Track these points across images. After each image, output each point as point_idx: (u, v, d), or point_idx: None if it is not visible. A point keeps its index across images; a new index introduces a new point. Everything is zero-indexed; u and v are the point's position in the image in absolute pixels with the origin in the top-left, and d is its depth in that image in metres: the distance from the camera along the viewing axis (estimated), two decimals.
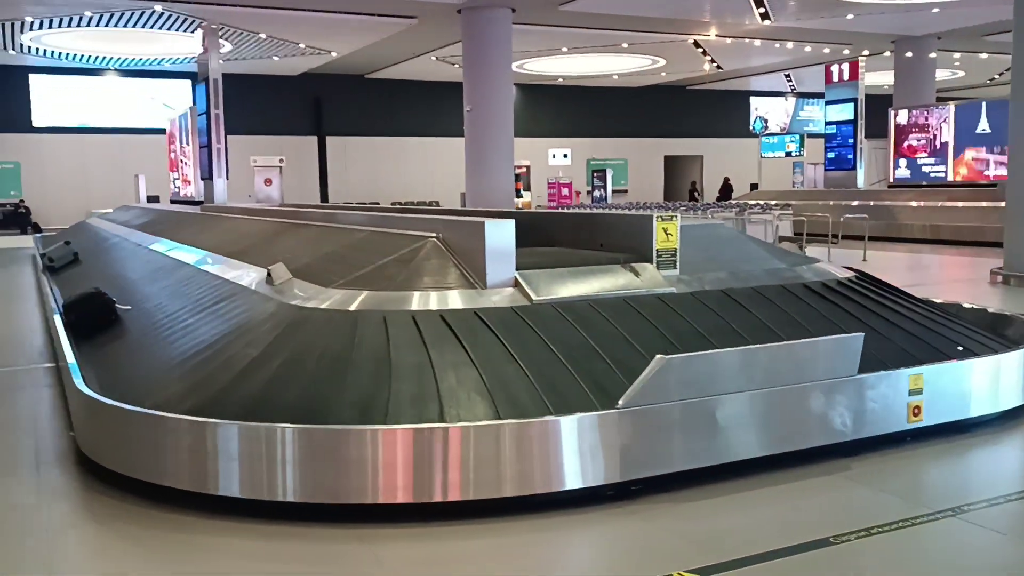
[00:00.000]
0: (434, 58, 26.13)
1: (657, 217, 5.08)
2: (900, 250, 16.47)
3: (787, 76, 33.42)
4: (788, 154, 32.15)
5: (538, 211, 8.85)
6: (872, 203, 20.31)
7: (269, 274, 5.43)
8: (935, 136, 20.94)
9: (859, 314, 5.07)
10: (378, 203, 25.76)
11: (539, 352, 4.16)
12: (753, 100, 37.54)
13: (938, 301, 6.57)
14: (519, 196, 25.40)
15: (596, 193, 31.35)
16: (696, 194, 34.34)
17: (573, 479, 3.70)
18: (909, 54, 24.49)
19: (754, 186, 31.22)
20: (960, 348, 4.99)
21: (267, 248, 6.93)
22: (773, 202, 18.40)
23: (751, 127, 35.47)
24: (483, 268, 4.61)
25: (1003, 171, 15.95)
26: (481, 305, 4.46)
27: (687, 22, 22.59)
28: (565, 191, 27.05)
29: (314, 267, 5.48)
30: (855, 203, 20.44)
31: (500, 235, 4.66)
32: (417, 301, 4.48)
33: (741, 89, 36.41)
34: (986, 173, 19.15)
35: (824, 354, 4.12)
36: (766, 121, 35.64)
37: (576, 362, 4.12)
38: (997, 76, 32.12)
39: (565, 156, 28.65)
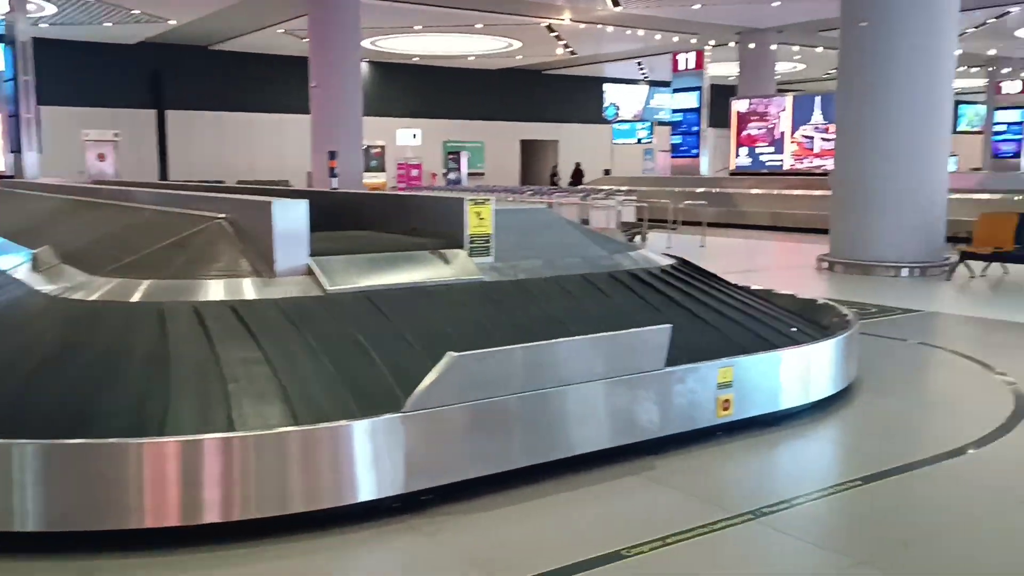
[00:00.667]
0: (281, 30, 25.00)
1: (469, 200, 4.74)
2: (739, 236, 16.91)
3: (639, 64, 33.99)
4: (639, 141, 32.72)
5: (350, 192, 8.39)
6: (716, 190, 20.83)
7: (35, 259, 4.77)
8: (774, 126, 21.68)
9: (674, 304, 4.91)
10: (223, 182, 24.44)
11: (334, 348, 3.76)
12: (607, 87, 37.98)
13: (756, 288, 6.56)
14: (374, 176, 24.71)
15: (451, 176, 31.00)
16: (556, 179, 34.54)
17: (360, 490, 3.33)
18: (752, 45, 25.27)
19: (607, 172, 31.62)
20: (794, 329, 4.92)
21: (49, 229, 6.20)
22: (618, 188, 18.55)
23: (604, 113, 35.92)
24: (271, 253, 4.15)
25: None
26: (267, 295, 4.01)
27: (541, 5, 22.48)
28: (415, 172, 26.52)
29: (88, 251, 4.86)
30: (700, 190, 20.91)
31: (290, 217, 4.21)
32: (196, 291, 3.99)
33: (595, 76, 36.79)
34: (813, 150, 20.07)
35: (628, 348, 3.91)
36: (618, 108, 36.17)
37: (373, 358, 3.74)
38: (832, 71, 33.71)
39: (414, 136, 28.06)
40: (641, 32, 25.00)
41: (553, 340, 3.80)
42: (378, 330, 3.95)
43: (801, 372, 4.75)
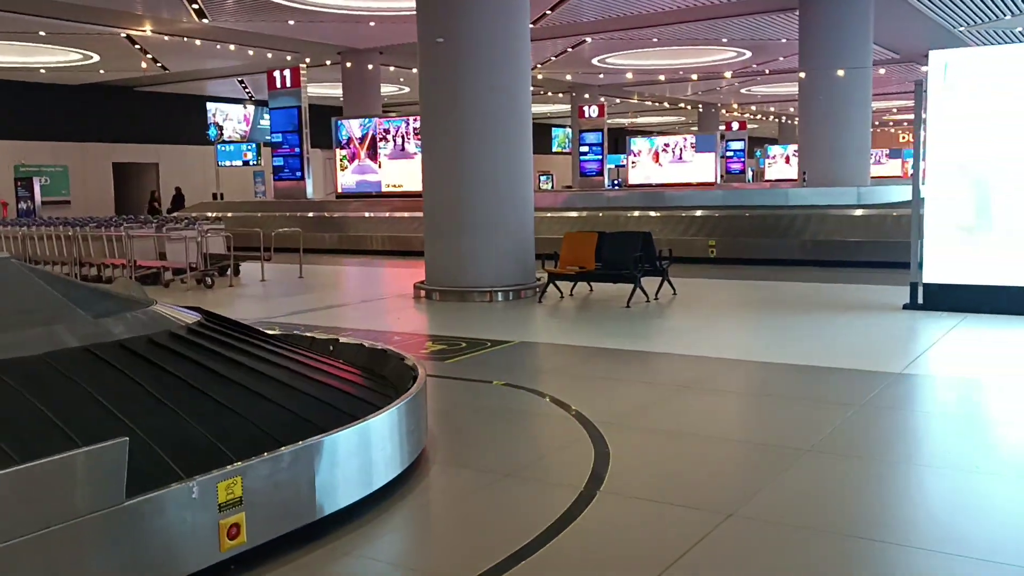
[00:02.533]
0: None
1: None
2: (347, 263, 16.03)
3: (241, 82, 32.08)
4: (246, 163, 30.90)
5: None
6: (324, 215, 19.84)
7: None
8: (376, 148, 21.25)
9: (178, 386, 3.64)
10: None
11: None
12: (211, 106, 35.46)
13: (320, 336, 5.52)
14: None
15: (23, 205, 26.68)
16: (156, 204, 31.28)
17: None
18: (349, 64, 24.84)
19: (217, 196, 29.35)
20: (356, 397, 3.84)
21: None
22: (213, 215, 16.79)
23: (206, 134, 33.43)
24: None
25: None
26: None
27: (118, 13, 19.92)
28: None
29: None
30: (311, 214, 19.82)
31: None
32: None
33: (198, 94, 34.16)
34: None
35: (51, 483, 2.57)
36: (221, 128, 33.89)
37: None
38: None
39: None
40: (233, 47, 23.29)
41: None
42: None
43: (353, 457, 3.73)
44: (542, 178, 43.25)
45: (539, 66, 29.39)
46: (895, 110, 44.77)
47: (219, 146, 32.00)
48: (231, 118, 35.52)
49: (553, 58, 27.86)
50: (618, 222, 15.89)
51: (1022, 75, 7.96)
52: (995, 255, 8.18)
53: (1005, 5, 20.20)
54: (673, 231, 15.15)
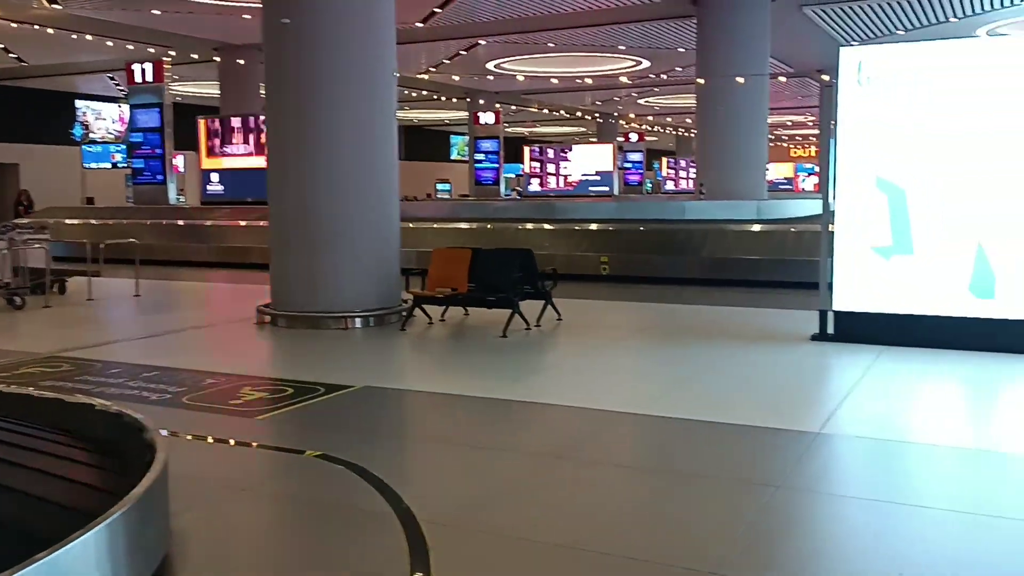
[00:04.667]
0: None
1: None
2: (202, 278, 14.30)
3: (111, 78, 29.63)
4: (115, 165, 28.50)
5: None
6: (189, 222, 17.97)
7: None
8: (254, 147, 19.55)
9: None
10: None
11: None
12: (80, 103, 32.76)
13: (44, 395, 4.03)
14: None
15: None
16: (22, 208, 28.42)
17: None
18: (218, 59, 23.10)
19: (90, 200, 27.01)
20: None
21: None
22: (41, 221, 14.82)
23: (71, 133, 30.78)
24: None
25: None
26: None
27: None
28: None
29: None
30: (180, 222, 17.95)
31: None
32: None
33: (66, 90, 31.48)
34: None
35: None
36: (87, 127, 31.27)
37: None
38: None
39: None
40: (90, 37, 21.13)
41: None
42: None
43: None
44: (440, 186, 41.92)
45: (431, 69, 28.09)
46: (790, 123, 45.22)
47: (84, 147, 29.51)
48: (104, 117, 32.89)
49: (446, 61, 26.59)
50: (506, 235, 14.66)
51: (948, 73, 7.02)
52: (915, 280, 7.23)
53: (900, 22, 19.99)
54: (564, 246, 14.00)
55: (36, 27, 20.48)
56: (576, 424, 5.18)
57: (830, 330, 7.63)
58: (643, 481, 4.20)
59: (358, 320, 8.73)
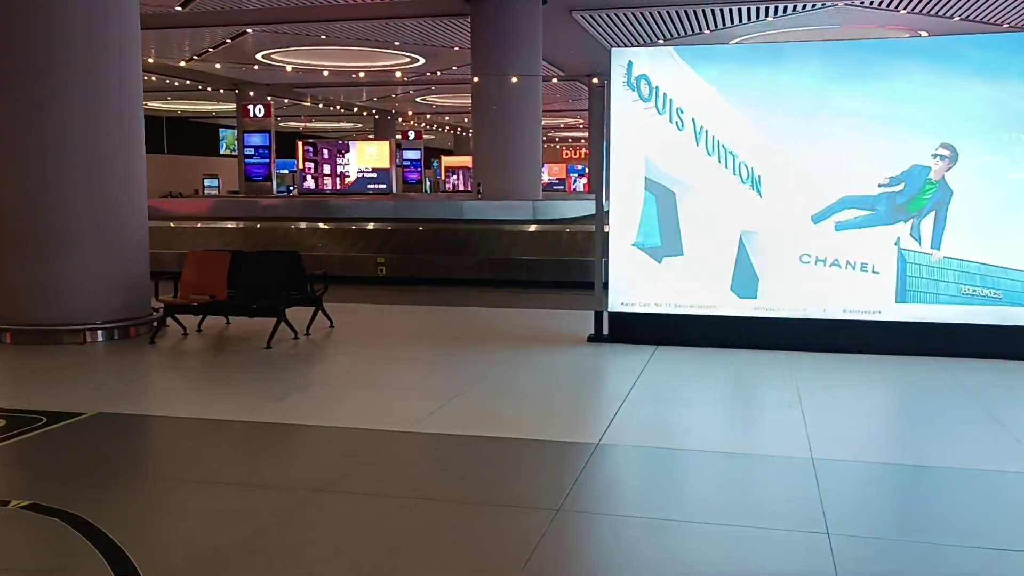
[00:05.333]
0: None
1: None
2: None
3: None
4: None
5: None
6: None
7: None
8: None
9: None
10: None
11: None
12: None
13: None
14: None
15: None
16: None
17: None
18: None
19: None
20: None
21: None
22: None
23: None
24: None
25: None
26: None
27: None
28: None
29: None
30: None
31: None
32: None
33: None
34: None
35: None
36: None
37: None
38: None
39: None
40: None
41: None
42: None
43: None
44: (207, 182, 39.55)
45: (195, 57, 26.28)
46: (562, 126, 46.73)
47: None
48: None
49: (211, 49, 24.93)
50: (276, 235, 13.82)
51: (714, 76, 7.18)
52: (685, 280, 7.35)
53: (662, 31, 20.99)
54: (339, 246, 13.38)
55: None
56: (344, 448, 4.71)
57: (605, 331, 7.62)
58: (416, 513, 3.80)
59: (100, 333, 7.73)
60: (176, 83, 29.97)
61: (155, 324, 7.88)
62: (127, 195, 8.01)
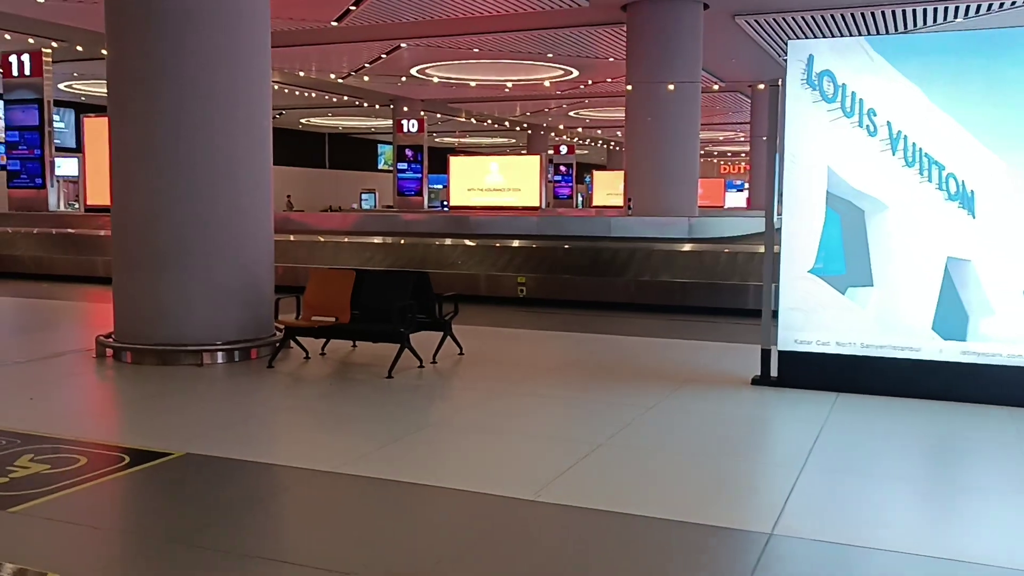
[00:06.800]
0: None
1: None
2: (70, 296, 12.62)
3: None
4: (3, 167, 26.28)
5: None
6: (64, 231, 16.16)
7: None
8: None
9: None
10: None
11: None
12: None
13: None
14: None
15: None
16: None
17: None
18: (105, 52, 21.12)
19: None
20: None
21: None
22: None
23: None
24: None
25: None
26: None
27: None
28: None
29: None
30: (55, 231, 16.13)
31: None
32: None
33: None
34: None
35: None
36: None
37: None
38: None
39: None
40: None
41: None
42: None
43: None
44: (364, 196, 40.39)
45: (352, 74, 26.64)
46: (721, 139, 44.91)
47: None
48: None
49: (367, 65, 25.17)
50: (415, 251, 13.34)
51: (916, 70, 5.90)
52: (875, 316, 6.12)
53: (831, 32, 19.35)
54: (479, 264, 12.72)
55: None
56: (447, 521, 3.86)
57: (774, 372, 6.49)
58: None
59: (220, 355, 7.28)
60: (335, 99, 30.58)
61: (276, 346, 7.36)
62: (253, 208, 7.56)
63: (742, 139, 41.89)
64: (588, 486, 4.27)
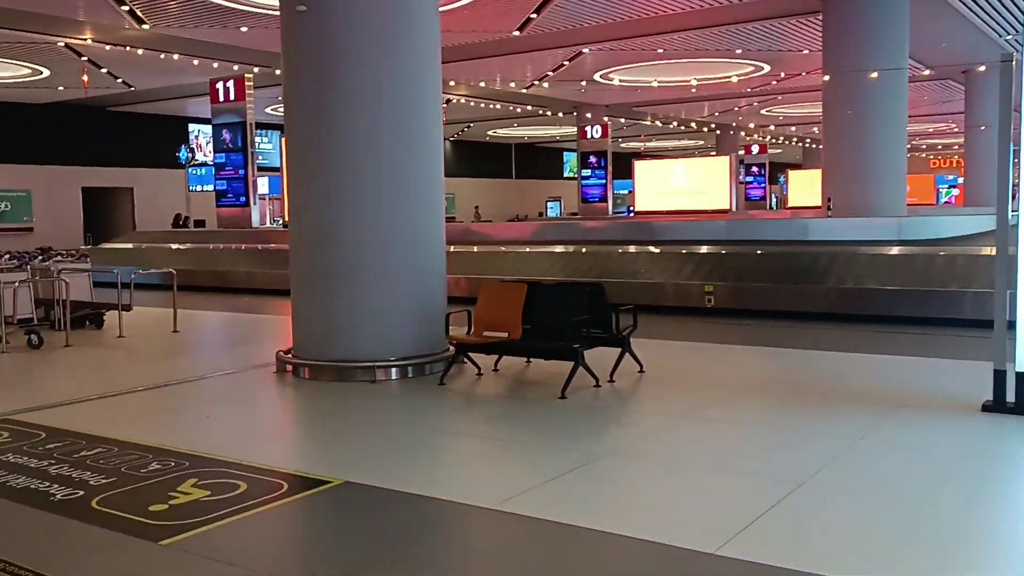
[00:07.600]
0: None
1: None
2: (263, 308, 13.13)
3: None
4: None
5: None
6: (271, 246, 17.00)
7: None
8: None
9: None
10: None
11: None
12: (193, 127, 32.94)
13: None
14: None
15: None
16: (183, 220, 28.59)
17: None
18: None
19: (183, 223, 26.72)
20: None
21: None
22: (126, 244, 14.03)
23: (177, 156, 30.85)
24: None
25: None
26: None
27: (52, 20, 17.46)
28: None
29: None
30: (260, 247, 17.05)
31: None
32: None
33: (178, 114, 31.63)
34: None
35: None
36: (197, 150, 31.27)
37: None
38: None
39: None
40: (176, 57, 20.64)
41: None
42: None
43: None
44: (549, 204, 40.46)
45: (536, 83, 26.63)
46: (931, 131, 41.48)
47: (190, 169, 29.48)
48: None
49: (550, 73, 25.05)
50: (596, 259, 12.89)
51: None
52: None
53: None
54: (663, 272, 12.09)
55: (127, 48, 20.16)
56: None
57: (1011, 396, 5.51)
58: None
59: (394, 371, 7.14)
60: (519, 109, 30.76)
61: (448, 362, 7.13)
62: (422, 217, 7.38)
63: (955, 130, 38.44)
64: (780, 538, 3.64)
